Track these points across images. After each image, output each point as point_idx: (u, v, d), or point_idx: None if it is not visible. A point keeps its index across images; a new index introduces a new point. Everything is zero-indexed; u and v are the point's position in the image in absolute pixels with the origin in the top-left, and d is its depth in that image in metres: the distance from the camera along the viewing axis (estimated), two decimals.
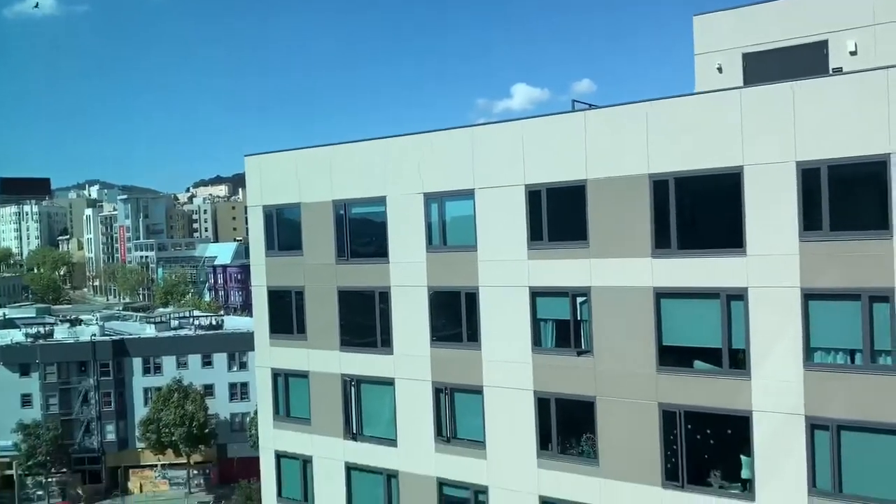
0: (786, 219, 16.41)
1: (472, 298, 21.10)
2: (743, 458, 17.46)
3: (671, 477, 18.11)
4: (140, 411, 76.55)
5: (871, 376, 15.66)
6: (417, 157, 21.94)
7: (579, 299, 19.37)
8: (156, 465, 78.05)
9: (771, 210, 16.59)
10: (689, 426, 17.93)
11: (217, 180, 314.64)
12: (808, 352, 16.37)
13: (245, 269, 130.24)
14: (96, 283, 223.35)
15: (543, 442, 20.09)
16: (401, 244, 22.40)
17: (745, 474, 17.45)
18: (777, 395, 16.68)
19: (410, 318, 22.27)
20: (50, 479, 76.01)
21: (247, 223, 27.53)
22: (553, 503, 19.95)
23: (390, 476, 22.99)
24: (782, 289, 16.50)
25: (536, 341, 20.11)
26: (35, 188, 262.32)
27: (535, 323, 20.12)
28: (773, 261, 16.59)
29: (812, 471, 16.38)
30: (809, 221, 16.22)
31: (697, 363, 17.99)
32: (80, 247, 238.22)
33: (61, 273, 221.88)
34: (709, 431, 18.18)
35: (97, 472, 77.91)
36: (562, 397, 19.71)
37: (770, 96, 16.65)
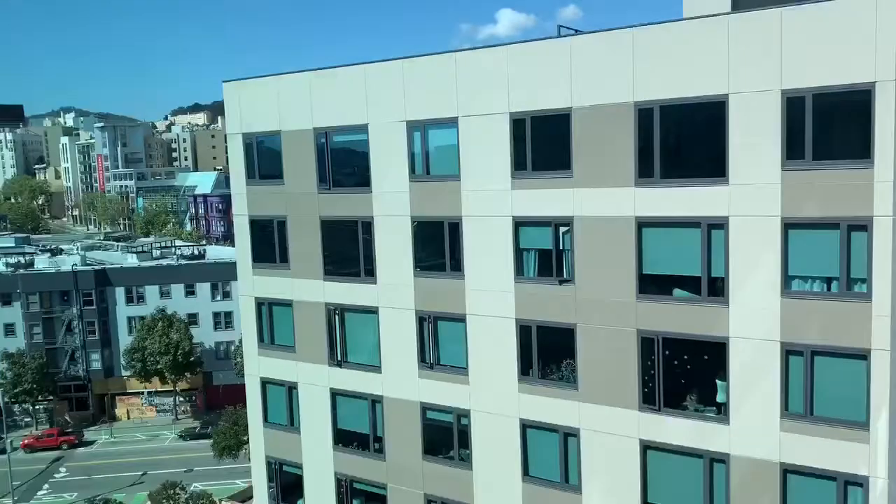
0: (769, 148, 16.42)
1: (455, 228, 21.12)
2: (718, 382, 17.93)
3: (648, 401, 18.61)
4: (124, 340, 77.02)
5: (847, 303, 15.99)
6: (400, 84, 21.58)
7: (562, 229, 19.45)
8: (142, 393, 79.09)
9: (754, 139, 16.57)
10: (667, 352, 18.33)
11: (196, 108, 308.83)
12: (786, 280, 16.64)
13: (226, 199, 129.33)
14: (75, 212, 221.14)
15: (524, 368, 20.48)
16: (384, 174, 22.24)
17: (720, 398, 17.96)
18: (754, 321, 17.03)
19: (394, 248, 22.31)
20: (37, 407, 76.93)
21: (227, 152, 27.14)
22: (533, 426, 20.50)
23: (375, 401, 23.44)
24: (763, 218, 16.64)
25: (519, 271, 20.27)
26: (8, 115, 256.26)
27: (518, 253, 20.24)
28: (754, 190, 16.67)
29: (785, 394, 16.88)
30: (792, 151, 16.24)
31: (677, 291, 18.25)
32: (58, 176, 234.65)
33: (39, 202, 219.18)
34: (686, 357, 18.61)
35: (84, 399, 78.87)
36: (543, 325, 20.00)
37: (757, 23, 16.41)
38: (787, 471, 17.00)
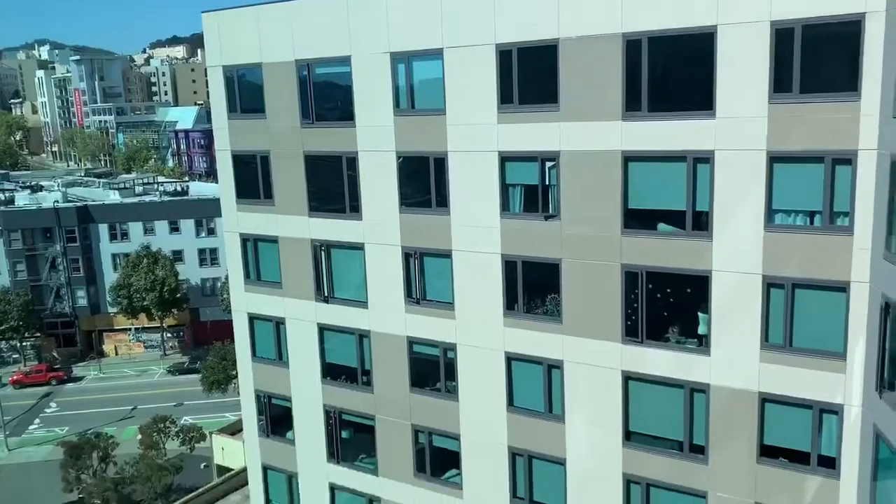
0: (756, 81, 16.29)
1: (440, 164, 20.97)
2: (700, 315, 18.21)
3: (631, 333, 18.91)
4: (110, 277, 76.91)
5: (829, 237, 16.15)
6: (383, 14, 21.06)
7: (548, 164, 19.36)
8: (129, 329, 79.44)
9: (742, 71, 16.42)
10: (651, 286, 18.53)
11: (174, 41, 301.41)
12: (770, 214, 16.74)
13: (208, 134, 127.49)
14: (55, 148, 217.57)
15: (510, 302, 20.68)
16: (367, 107, 21.92)
17: (701, 330, 18.27)
18: (737, 255, 17.20)
19: (379, 183, 22.17)
20: (24, 343, 77.22)
21: (207, 86, 26.60)
22: (518, 358, 20.84)
23: (362, 336, 23.67)
24: (748, 151, 16.62)
25: (505, 206, 20.25)
26: None
27: (504, 188, 20.18)
28: (741, 123, 16.61)
29: (765, 326, 17.18)
30: (780, 84, 16.12)
31: (661, 226, 18.34)
32: (35, 111, 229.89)
33: (17, 138, 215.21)
34: (669, 291, 18.84)
35: (71, 335, 79.21)
36: (528, 260, 20.11)
37: None
38: (766, 400, 17.45)
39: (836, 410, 16.71)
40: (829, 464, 17.05)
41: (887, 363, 14.74)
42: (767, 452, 17.75)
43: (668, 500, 19.34)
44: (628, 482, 19.74)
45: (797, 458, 17.47)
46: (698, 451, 18.60)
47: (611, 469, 19.86)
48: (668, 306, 19.01)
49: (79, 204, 78.76)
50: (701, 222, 17.67)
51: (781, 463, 17.60)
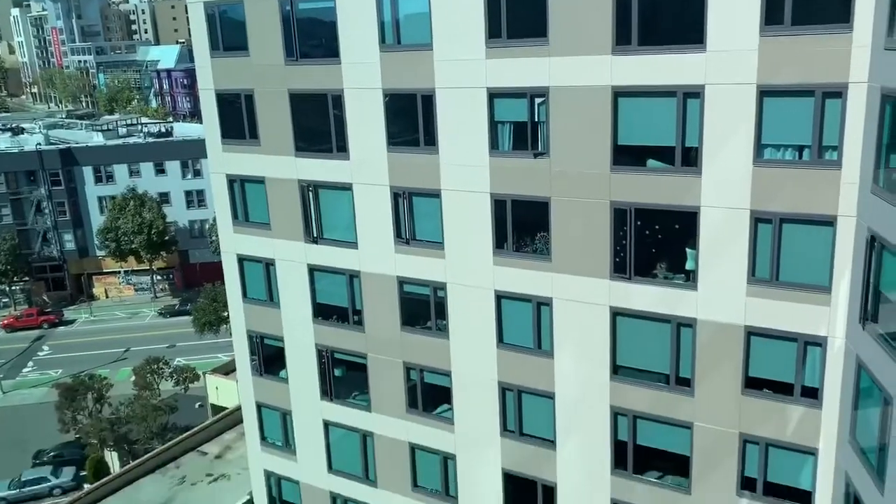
0: (748, 13, 16.02)
1: (428, 101, 20.69)
2: (688, 250, 18.33)
3: (619, 270, 19.04)
4: (97, 220, 76.42)
5: (817, 171, 16.16)
6: None
7: (537, 100, 19.14)
8: (119, 272, 79.38)
9: (733, 3, 16.12)
10: (639, 223, 18.58)
11: None
12: (759, 148, 16.69)
13: (191, 74, 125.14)
14: (34, 89, 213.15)
15: (499, 241, 20.72)
16: (352, 43, 21.48)
17: (689, 265, 18.42)
18: (725, 190, 17.21)
19: (366, 122, 21.90)
20: (14, 287, 77.13)
21: (189, 24, 25.94)
22: (507, 296, 21.00)
23: (352, 276, 23.74)
24: (739, 86, 16.47)
25: (494, 144, 20.09)
26: None
27: (493, 125, 19.98)
28: (731, 56, 16.40)
29: (752, 261, 17.33)
30: (771, 15, 15.87)
31: (651, 162, 18.29)
32: (12, 51, 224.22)
33: None
34: (657, 227, 18.91)
35: (60, 279, 79.13)
36: (517, 198, 20.07)
37: None
38: (751, 333, 17.73)
39: (819, 342, 17.01)
40: (812, 394, 17.45)
41: (871, 296, 14.95)
42: (752, 384, 18.13)
43: (654, 431, 19.82)
44: (615, 414, 20.17)
45: (781, 389, 17.87)
46: (684, 383, 18.97)
47: (598, 402, 20.27)
48: (656, 243, 19.11)
49: (62, 146, 77.63)
50: (690, 158, 17.62)
51: (765, 394, 18.00)
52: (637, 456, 20.28)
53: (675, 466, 19.94)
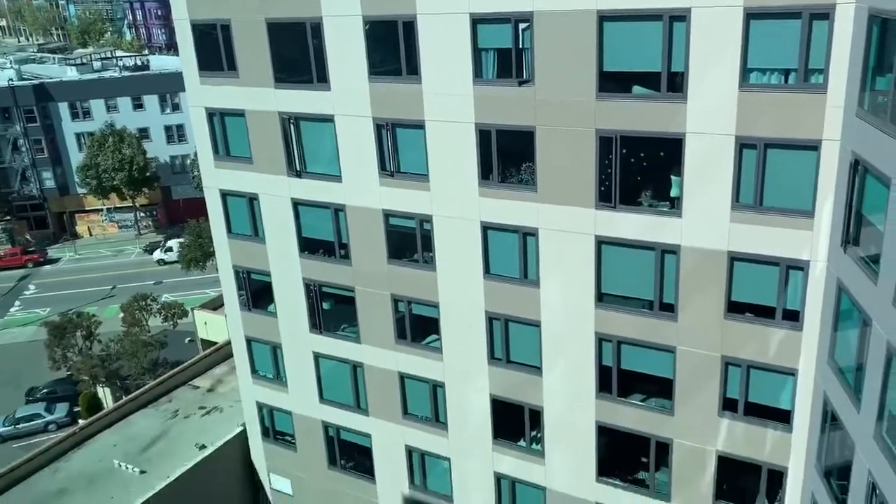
0: None
1: (409, 28, 20.21)
2: (673, 177, 18.33)
3: (604, 199, 19.05)
4: (76, 157, 75.14)
5: (803, 95, 16.05)
6: None
7: (522, 25, 18.74)
8: (101, 210, 78.58)
9: None
10: (625, 150, 18.51)
11: None
12: (745, 73, 16.52)
13: (165, 4, 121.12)
14: (2, 23, 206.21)
15: (485, 172, 20.62)
16: None
17: (674, 192, 18.46)
18: (711, 116, 17.11)
19: (346, 51, 21.41)
20: None
21: None
22: (494, 228, 21.04)
23: (337, 210, 23.63)
24: (725, 8, 16.17)
25: (478, 73, 19.75)
26: None
27: (477, 53, 19.60)
28: None
29: (737, 187, 17.37)
30: None
31: (636, 88, 18.09)
32: None
33: None
34: (642, 155, 18.87)
35: (42, 218, 78.28)
36: (502, 128, 19.88)
37: None
38: (735, 258, 17.93)
39: (802, 266, 17.24)
40: (793, 317, 17.78)
41: (853, 219, 15.08)
42: (734, 308, 18.43)
43: (638, 356, 20.22)
44: (600, 340, 20.52)
45: (763, 313, 18.19)
46: (668, 309, 19.26)
47: (584, 329, 20.58)
48: (641, 170, 19.10)
49: (35, 82, 75.62)
50: (676, 84, 17.44)
51: (748, 318, 18.33)
52: (621, 380, 20.75)
53: (658, 389, 20.45)
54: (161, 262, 68.57)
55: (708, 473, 20.19)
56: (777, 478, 19.40)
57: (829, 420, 16.63)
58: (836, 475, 16.43)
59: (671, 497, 21.07)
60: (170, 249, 68.71)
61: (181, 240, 64.66)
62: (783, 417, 18.78)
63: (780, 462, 19.06)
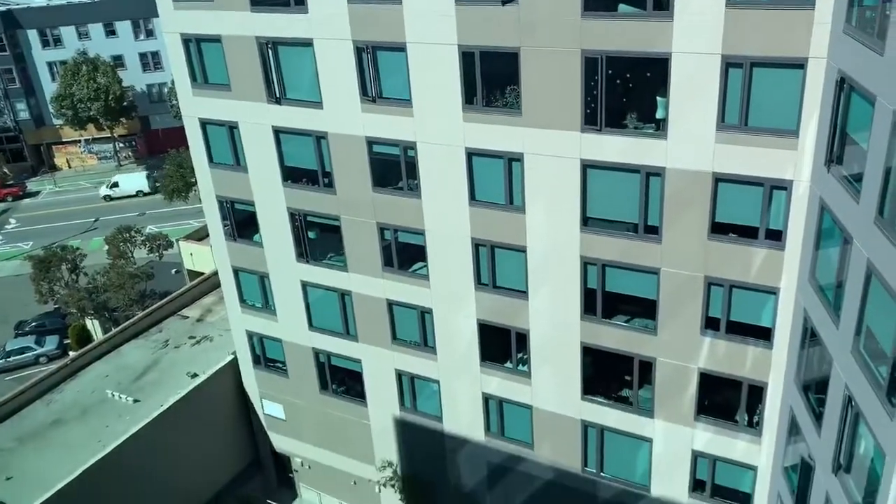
0: None
1: None
2: (659, 99, 18.15)
3: (590, 122, 18.89)
4: (49, 87, 73.25)
5: (789, 11, 15.77)
6: None
7: None
8: (79, 141, 77.16)
9: None
10: (610, 71, 18.24)
11: None
12: None
13: None
14: None
15: (469, 96, 20.31)
16: None
17: (659, 114, 18.31)
18: (697, 34, 16.82)
19: None
20: None
21: None
22: (479, 153, 20.87)
23: (320, 138, 23.32)
24: None
25: None
26: None
27: None
28: None
29: (722, 107, 17.24)
30: None
31: (622, 6, 17.71)
32: None
33: None
34: (628, 76, 18.61)
35: (18, 150, 76.85)
36: (486, 50, 19.49)
37: None
38: (719, 179, 17.95)
39: (785, 186, 17.31)
40: (776, 237, 17.97)
41: (837, 138, 15.06)
42: (718, 229, 18.58)
43: (622, 278, 20.45)
44: (585, 264, 20.70)
45: (746, 233, 18.35)
46: (652, 231, 19.38)
47: (569, 253, 20.73)
48: (626, 92, 18.88)
49: (2, 8, 72.99)
50: (662, 1, 17.06)
51: (731, 238, 18.49)
52: (606, 302, 21.04)
53: (642, 310, 20.78)
54: (108, 198, 67.50)
55: (690, 390, 20.74)
56: (757, 393, 19.98)
57: (809, 336, 17.02)
58: (814, 389, 16.93)
59: (654, 413, 21.69)
60: (115, 185, 67.65)
61: (140, 173, 64.25)
62: (764, 335, 19.19)
63: (760, 378, 19.59)
